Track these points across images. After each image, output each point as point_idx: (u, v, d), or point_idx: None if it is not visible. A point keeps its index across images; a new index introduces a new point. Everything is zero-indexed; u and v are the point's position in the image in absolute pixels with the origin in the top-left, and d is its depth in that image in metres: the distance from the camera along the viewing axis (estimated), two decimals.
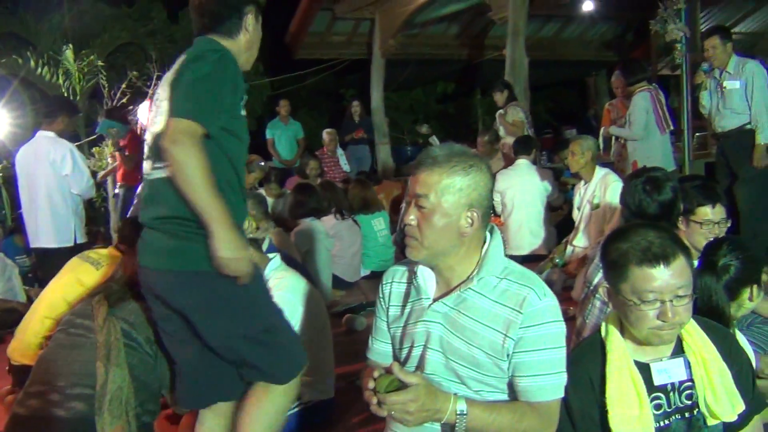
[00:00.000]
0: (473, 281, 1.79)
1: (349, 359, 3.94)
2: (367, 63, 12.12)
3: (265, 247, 3.86)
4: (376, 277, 6.20)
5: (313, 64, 12.43)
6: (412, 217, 1.82)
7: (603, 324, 1.94)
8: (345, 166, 9.09)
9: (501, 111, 7.78)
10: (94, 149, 8.60)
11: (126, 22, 9.85)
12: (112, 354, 2.43)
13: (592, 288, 2.80)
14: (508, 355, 1.73)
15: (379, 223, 6.23)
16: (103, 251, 3.90)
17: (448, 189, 1.75)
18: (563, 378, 1.74)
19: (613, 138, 6.27)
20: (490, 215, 1.87)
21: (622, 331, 1.88)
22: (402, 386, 1.64)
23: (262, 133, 12.71)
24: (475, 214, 1.77)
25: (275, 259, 3.30)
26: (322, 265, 5.14)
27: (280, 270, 3.24)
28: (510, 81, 8.11)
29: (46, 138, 5.00)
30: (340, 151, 9.21)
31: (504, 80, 8.10)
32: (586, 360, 1.90)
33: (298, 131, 9.91)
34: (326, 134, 9.08)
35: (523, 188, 6.01)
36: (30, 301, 5.94)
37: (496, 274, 1.79)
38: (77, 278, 3.64)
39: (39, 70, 8.49)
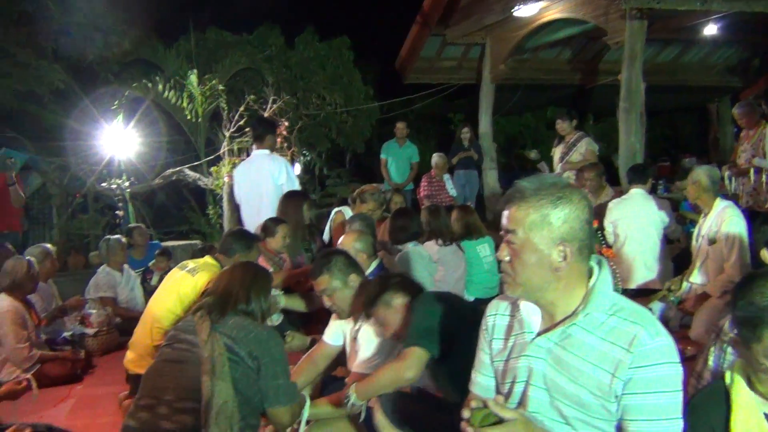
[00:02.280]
0: (579, 317, 1.71)
1: None
2: (476, 87, 12.05)
3: (373, 266, 3.88)
4: (480, 304, 6.09)
5: (421, 88, 12.50)
6: (505, 254, 1.78)
7: (728, 372, 1.78)
8: (452, 190, 9.03)
9: (568, 141, 7.85)
10: (212, 168, 9.01)
11: (245, 48, 10.29)
12: (216, 368, 2.49)
13: (720, 332, 2.58)
14: (616, 397, 1.63)
15: (484, 249, 6.10)
16: (201, 260, 4.08)
17: (535, 224, 1.69)
18: (679, 425, 1.62)
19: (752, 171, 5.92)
20: (592, 247, 1.78)
21: (749, 380, 1.72)
22: (499, 421, 1.58)
23: (370, 156, 12.96)
24: (567, 249, 1.69)
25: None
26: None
27: None
28: (626, 106, 7.84)
29: (262, 155, 5.90)
30: (446, 176, 9.16)
31: (570, 109, 7.96)
32: (708, 408, 1.77)
33: (414, 155, 9.97)
34: (438, 158, 9.06)
35: (638, 219, 5.72)
36: None
37: (604, 311, 1.71)
38: (175, 287, 3.86)
39: (165, 93, 9.00)
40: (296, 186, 6.00)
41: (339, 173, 13.86)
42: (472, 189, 9.83)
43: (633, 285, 5.54)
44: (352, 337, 3.35)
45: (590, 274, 1.76)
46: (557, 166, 8.20)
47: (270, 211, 5.70)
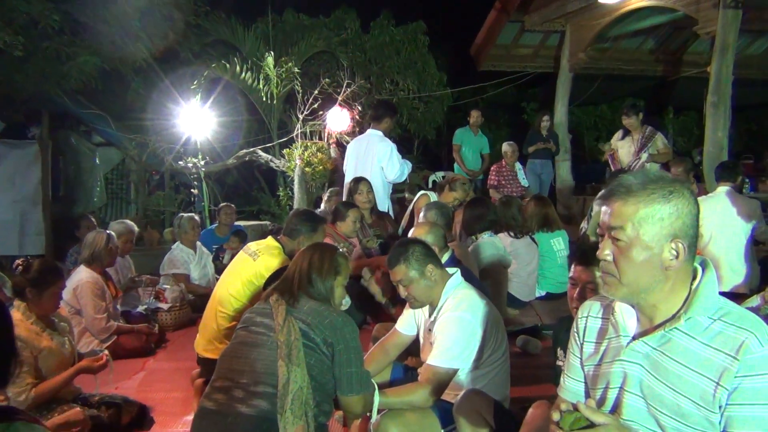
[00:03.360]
0: (681, 320, 1.60)
1: (523, 382, 3.77)
2: (550, 76, 11.73)
3: (444, 259, 3.78)
4: (552, 298, 5.94)
5: (494, 75, 12.25)
6: (607, 252, 1.66)
7: None
8: (523, 180, 8.79)
9: (636, 136, 7.61)
10: (284, 150, 9.06)
11: (322, 31, 10.27)
12: (292, 354, 2.45)
13: None
14: (720, 407, 1.51)
15: (558, 242, 5.93)
16: (263, 242, 4.05)
17: (646, 219, 1.59)
18: None
19: None
20: (697, 246, 1.65)
21: None
22: (589, 426, 1.50)
23: (439, 143, 12.80)
24: (680, 244, 1.58)
25: (456, 275, 3.19)
26: (499, 282, 4.96)
27: (461, 288, 3.13)
28: (714, 100, 7.46)
29: (374, 135, 6.26)
30: (518, 166, 8.92)
31: (636, 103, 7.61)
32: None
33: (485, 146, 9.82)
34: (507, 146, 8.82)
35: (724, 218, 5.44)
36: None
37: (708, 314, 1.59)
38: (238, 271, 3.86)
39: (242, 74, 9.08)
40: (394, 170, 6.16)
41: (407, 159, 13.75)
42: (546, 180, 9.52)
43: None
44: (427, 328, 3.27)
45: (693, 275, 1.65)
46: (624, 160, 7.86)
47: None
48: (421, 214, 4.80)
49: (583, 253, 2.76)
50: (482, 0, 11.02)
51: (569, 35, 10.50)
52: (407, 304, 3.31)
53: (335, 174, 9.21)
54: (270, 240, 4.03)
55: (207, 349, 3.90)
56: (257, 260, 3.82)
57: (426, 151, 14.19)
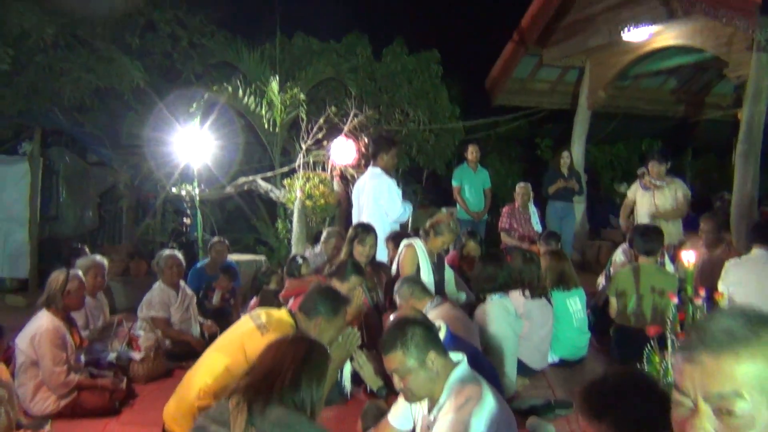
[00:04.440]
0: None
1: None
2: (566, 112, 11.27)
3: (442, 335, 3.24)
4: (566, 366, 5.35)
5: (509, 109, 11.77)
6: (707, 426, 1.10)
7: None
8: (537, 225, 8.19)
9: (659, 182, 7.00)
10: (285, 181, 8.56)
11: (331, 56, 9.82)
12: None
13: None
14: None
15: (574, 302, 5.35)
16: (275, 314, 3.48)
17: None
18: None
19: None
20: None
21: None
22: None
23: (449, 175, 12.28)
24: None
25: (461, 365, 2.65)
26: (508, 351, 4.40)
27: (467, 383, 2.58)
28: (744, 148, 6.94)
29: (372, 172, 6.00)
30: (532, 208, 8.34)
31: (665, 150, 7.08)
32: None
33: (486, 180, 9.21)
34: (520, 187, 8.25)
35: (761, 285, 4.86)
36: (202, 335, 5.82)
37: None
38: (242, 343, 3.25)
39: (245, 99, 8.61)
40: (396, 207, 5.85)
41: (415, 190, 13.27)
42: (569, 225, 8.78)
43: None
44: (425, 425, 2.73)
45: None
46: (642, 211, 7.21)
47: None
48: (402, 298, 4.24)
49: (588, 396, 2.01)
50: (499, 31, 10.61)
51: (589, 72, 10.02)
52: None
53: (337, 208, 8.70)
54: (284, 314, 3.48)
55: (177, 422, 3.28)
56: (266, 336, 3.19)
57: (435, 185, 13.70)
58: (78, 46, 7.99)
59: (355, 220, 6.12)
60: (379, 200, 5.84)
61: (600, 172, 13.65)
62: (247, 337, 3.25)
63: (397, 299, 4.22)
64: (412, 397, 2.64)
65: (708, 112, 11.78)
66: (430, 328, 2.69)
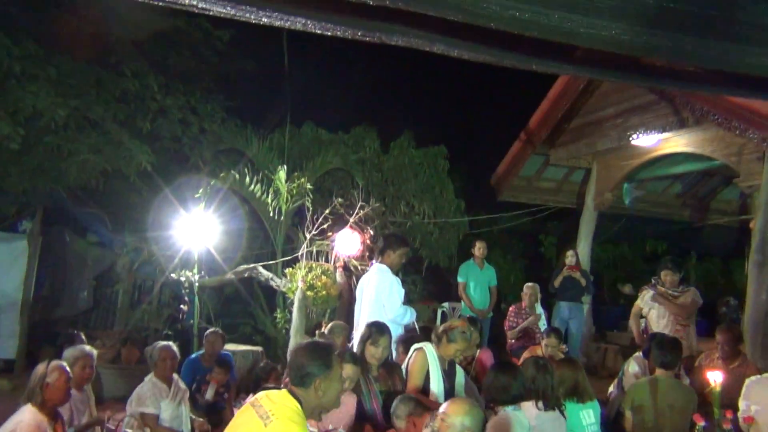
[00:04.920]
0: None
1: None
2: (570, 211, 11.25)
3: None
4: None
5: (513, 205, 11.75)
6: None
7: None
8: (543, 326, 7.94)
9: (674, 292, 6.80)
10: (287, 270, 8.39)
11: (339, 147, 9.88)
12: None
13: None
14: None
15: (588, 415, 5.05)
16: (277, 399, 3.03)
17: None
18: None
19: None
20: None
21: None
22: None
23: (453, 271, 12.11)
24: None
25: None
26: None
27: None
28: (758, 259, 6.81)
29: (378, 268, 5.80)
30: (540, 309, 8.13)
31: (678, 260, 6.98)
32: None
33: (492, 278, 9.03)
34: (527, 288, 8.07)
35: None
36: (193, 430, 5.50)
37: None
38: None
39: (252, 186, 8.57)
40: (395, 306, 5.60)
41: (414, 280, 13.09)
42: (578, 326, 8.55)
43: None
44: None
45: None
46: (657, 324, 6.96)
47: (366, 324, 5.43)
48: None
49: None
50: (506, 126, 10.72)
51: (596, 174, 10.04)
52: None
53: (339, 300, 8.49)
54: (286, 397, 3.02)
55: None
56: (269, 426, 2.85)
57: (434, 276, 13.53)
58: (88, 127, 8.01)
59: (357, 315, 5.94)
60: (381, 297, 5.64)
61: (603, 272, 13.51)
62: (250, 428, 2.87)
63: (395, 420, 3.95)
64: None
65: (713, 217, 11.76)
66: None
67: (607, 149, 9.26)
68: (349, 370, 4.23)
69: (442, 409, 3.19)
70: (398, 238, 6.17)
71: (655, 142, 8.38)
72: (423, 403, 4.06)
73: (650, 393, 5.04)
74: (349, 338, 6.18)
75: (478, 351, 6.31)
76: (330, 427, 3.91)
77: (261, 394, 3.12)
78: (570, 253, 8.80)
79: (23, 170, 7.61)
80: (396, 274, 5.84)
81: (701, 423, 3.68)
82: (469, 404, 3.22)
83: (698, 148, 7.92)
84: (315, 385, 2.97)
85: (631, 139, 8.38)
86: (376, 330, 4.78)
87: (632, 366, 6.16)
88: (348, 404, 4.27)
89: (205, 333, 6.78)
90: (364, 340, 4.75)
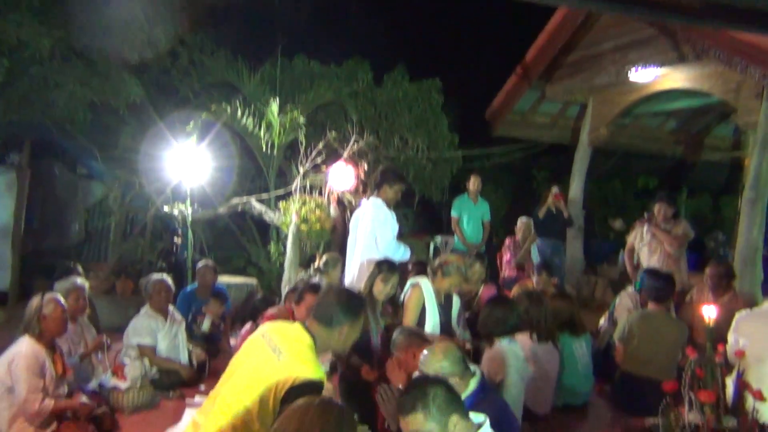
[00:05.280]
0: None
1: None
2: (564, 147, 11.19)
3: (471, 388, 3.05)
4: (569, 411, 5.16)
5: (507, 140, 11.66)
6: None
7: None
8: (536, 258, 8.01)
9: (666, 225, 6.81)
10: (280, 203, 8.35)
11: (332, 80, 9.67)
12: None
13: None
14: None
15: (581, 346, 5.18)
16: (290, 331, 3.05)
17: None
18: None
19: None
20: None
21: None
22: None
23: (445, 204, 12.12)
24: None
25: (484, 428, 2.45)
26: (514, 398, 4.17)
27: None
28: (751, 196, 6.84)
29: (374, 202, 5.76)
30: (535, 244, 8.15)
31: (670, 194, 6.94)
32: None
33: (486, 213, 9.04)
34: (521, 222, 8.06)
35: None
36: (191, 363, 5.56)
37: None
38: (257, 370, 2.85)
39: (243, 119, 8.41)
40: (386, 238, 5.58)
41: (406, 214, 13.09)
42: (559, 263, 8.57)
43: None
44: None
45: None
46: (657, 254, 6.99)
47: (358, 255, 5.69)
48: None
49: None
50: (501, 60, 10.53)
51: (592, 109, 9.93)
52: None
53: (333, 234, 8.48)
54: (300, 331, 3.01)
55: None
56: (281, 360, 2.82)
57: (427, 210, 13.54)
58: (74, 58, 7.76)
59: (350, 249, 5.95)
60: (375, 230, 5.64)
61: (594, 208, 13.56)
62: (263, 361, 2.87)
63: (395, 351, 3.99)
64: None
65: (706, 154, 11.75)
66: (451, 389, 2.48)
67: (604, 84, 9.14)
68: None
69: (421, 360, 3.21)
70: (395, 173, 6.11)
71: (652, 77, 8.26)
72: (423, 335, 4.10)
73: (642, 326, 5.14)
74: (342, 272, 6.20)
75: (482, 287, 6.26)
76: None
77: (270, 326, 3.12)
78: (554, 189, 8.78)
79: (9, 102, 7.41)
80: (390, 209, 5.82)
81: (693, 356, 3.73)
82: (444, 347, 3.21)
83: (696, 84, 7.81)
84: (340, 330, 3.01)
85: (629, 74, 8.25)
86: (388, 268, 4.76)
87: (624, 299, 6.25)
88: None
89: (198, 266, 6.79)
90: (374, 277, 4.72)
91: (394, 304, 5.06)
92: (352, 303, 3.12)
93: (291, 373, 2.71)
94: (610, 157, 11.55)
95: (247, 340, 3.12)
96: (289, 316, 4.69)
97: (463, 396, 2.91)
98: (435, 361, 3.06)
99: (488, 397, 3.10)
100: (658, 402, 3.74)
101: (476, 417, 2.51)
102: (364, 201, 5.99)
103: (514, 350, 4.28)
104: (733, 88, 7.28)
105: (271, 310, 5.28)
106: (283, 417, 2.10)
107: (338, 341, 3.03)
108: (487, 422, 2.49)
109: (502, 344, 4.28)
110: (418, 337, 4.01)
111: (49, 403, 3.96)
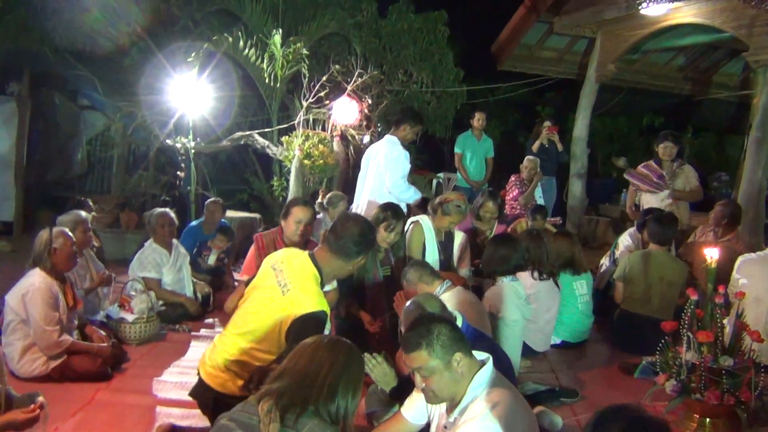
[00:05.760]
0: None
1: None
2: (570, 82, 11.00)
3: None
4: (568, 348, 5.25)
5: (511, 75, 11.45)
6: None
7: None
8: (540, 199, 7.96)
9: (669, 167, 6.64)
10: (283, 138, 8.29)
11: (336, 11, 9.40)
12: None
13: None
14: None
15: (581, 286, 5.22)
16: (295, 263, 3.12)
17: None
18: None
19: None
20: None
21: None
22: None
23: (447, 141, 12.02)
24: None
25: (487, 367, 2.49)
26: (516, 336, 4.25)
27: (494, 388, 2.43)
28: (758, 136, 6.76)
29: (389, 140, 5.68)
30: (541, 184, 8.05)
31: (675, 133, 6.79)
32: None
33: (489, 150, 8.99)
34: (527, 161, 7.92)
35: None
36: (195, 296, 5.63)
37: None
38: (264, 303, 3.01)
39: (246, 50, 8.24)
40: (395, 177, 5.48)
41: (409, 149, 12.99)
42: (549, 200, 8.53)
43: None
44: (442, 425, 2.59)
45: None
46: (649, 200, 6.83)
47: (368, 193, 5.68)
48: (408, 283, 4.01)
49: None
50: None
51: (600, 44, 9.70)
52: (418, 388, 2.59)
53: (336, 169, 8.45)
54: (307, 263, 3.07)
55: (211, 375, 3.05)
56: (286, 296, 2.94)
57: (429, 147, 13.44)
58: None
59: (360, 185, 5.90)
60: (387, 169, 5.56)
61: (598, 146, 13.44)
62: (270, 295, 3.01)
63: (404, 283, 4.03)
64: (434, 399, 2.48)
65: (713, 91, 11.57)
66: (456, 327, 2.52)
67: (614, 18, 8.91)
68: (299, 213, 4.28)
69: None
70: (417, 114, 6.03)
71: (663, 11, 8.04)
72: (432, 270, 4.12)
73: (642, 265, 5.17)
74: (348, 208, 6.19)
75: (495, 225, 6.19)
76: None
77: (283, 256, 3.18)
78: (547, 123, 8.66)
79: (7, 29, 7.27)
80: (404, 149, 5.73)
81: (694, 297, 3.76)
82: (421, 300, 3.24)
83: (708, 18, 7.61)
84: (353, 260, 3.11)
85: (639, 7, 8.03)
86: (393, 214, 4.61)
87: (626, 239, 6.26)
88: None
89: (206, 202, 6.78)
90: (378, 222, 4.56)
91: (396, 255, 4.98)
92: (371, 237, 3.25)
93: (294, 308, 2.86)
94: (616, 93, 11.35)
95: (261, 269, 3.21)
96: (279, 232, 4.69)
97: None
98: (415, 314, 3.06)
99: (474, 336, 3.14)
100: (657, 341, 3.79)
101: (479, 354, 2.55)
102: (365, 139, 5.92)
103: (516, 288, 4.33)
104: (745, 24, 7.09)
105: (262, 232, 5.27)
106: (292, 354, 2.14)
107: (346, 269, 3.17)
108: (491, 360, 2.53)
109: (504, 282, 4.32)
110: (429, 271, 4.03)
111: (67, 339, 4.03)
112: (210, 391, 3.01)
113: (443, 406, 2.60)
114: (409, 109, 6.44)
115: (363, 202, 5.69)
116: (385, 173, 5.56)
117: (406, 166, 5.58)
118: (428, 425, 2.76)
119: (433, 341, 2.39)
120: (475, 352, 2.54)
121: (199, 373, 3.14)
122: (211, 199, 6.86)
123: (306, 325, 2.78)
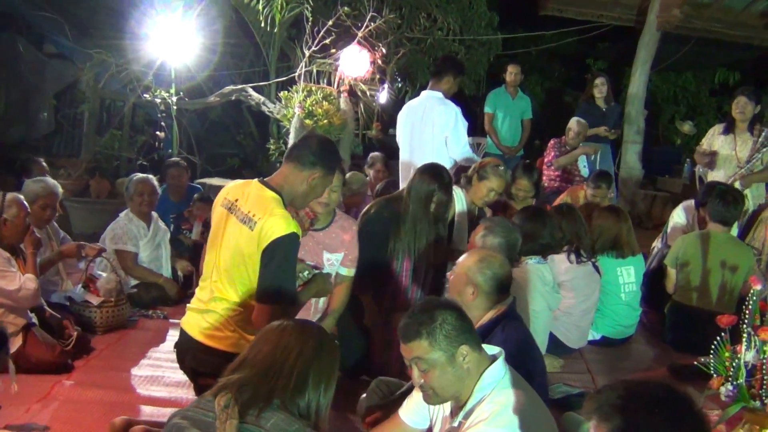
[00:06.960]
0: None
1: None
2: (626, 30, 10.83)
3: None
4: (608, 345, 5.24)
5: (556, 22, 11.31)
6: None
7: None
8: (584, 169, 7.81)
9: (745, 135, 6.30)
10: (282, 93, 8.29)
11: None
12: None
13: None
14: None
15: (628, 272, 5.18)
16: (251, 193, 3.23)
17: None
18: None
19: None
20: None
21: None
22: None
23: (480, 99, 11.94)
24: None
25: (497, 364, 2.50)
26: (539, 328, 4.23)
27: (504, 388, 2.44)
28: None
29: (433, 96, 5.66)
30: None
31: (756, 90, 6.51)
32: None
33: (527, 110, 8.90)
34: (576, 123, 7.71)
35: None
36: (174, 275, 5.69)
37: None
38: (237, 248, 3.16)
39: None
40: (460, 143, 5.58)
41: None
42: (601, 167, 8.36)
43: None
44: (445, 430, 2.60)
45: None
46: (728, 166, 6.45)
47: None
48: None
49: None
50: None
51: None
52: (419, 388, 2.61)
53: (344, 131, 8.43)
54: (262, 190, 3.21)
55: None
56: (254, 229, 3.06)
57: (458, 105, 13.41)
58: None
59: (404, 150, 5.84)
60: (445, 131, 5.52)
61: (661, 106, 13.28)
62: (240, 240, 3.13)
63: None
64: (434, 398, 2.49)
65: None
66: (463, 316, 2.51)
67: None
68: (336, 180, 4.23)
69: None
70: (459, 63, 6.08)
71: None
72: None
73: (700, 248, 5.12)
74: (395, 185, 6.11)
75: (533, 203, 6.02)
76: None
77: (230, 193, 3.31)
78: (599, 81, 8.46)
79: None
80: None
81: (757, 286, 3.71)
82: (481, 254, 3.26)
83: None
84: (311, 174, 3.24)
85: None
86: (437, 182, 4.41)
87: (679, 215, 6.15)
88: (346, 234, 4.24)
89: (166, 166, 6.77)
90: (430, 196, 4.39)
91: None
92: (331, 150, 3.44)
93: (265, 238, 3.02)
94: (682, 44, 11.16)
95: (213, 217, 3.37)
96: None
97: (493, 314, 3.10)
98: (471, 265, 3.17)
99: (513, 323, 3.14)
100: (713, 339, 3.76)
101: (490, 349, 2.55)
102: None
103: (542, 272, 4.31)
104: None
105: None
106: (257, 338, 2.18)
107: (304, 191, 3.27)
108: (502, 355, 2.53)
109: (529, 264, 4.30)
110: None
111: (30, 277, 4.08)
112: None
113: (447, 408, 2.61)
114: (449, 58, 6.47)
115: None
116: (442, 137, 5.54)
117: (465, 124, 5.65)
118: (430, 430, 2.78)
119: (435, 330, 2.39)
120: (485, 346, 2.54)
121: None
122: (172, 159, 6.89)
123: (279, 247, 2.98)
